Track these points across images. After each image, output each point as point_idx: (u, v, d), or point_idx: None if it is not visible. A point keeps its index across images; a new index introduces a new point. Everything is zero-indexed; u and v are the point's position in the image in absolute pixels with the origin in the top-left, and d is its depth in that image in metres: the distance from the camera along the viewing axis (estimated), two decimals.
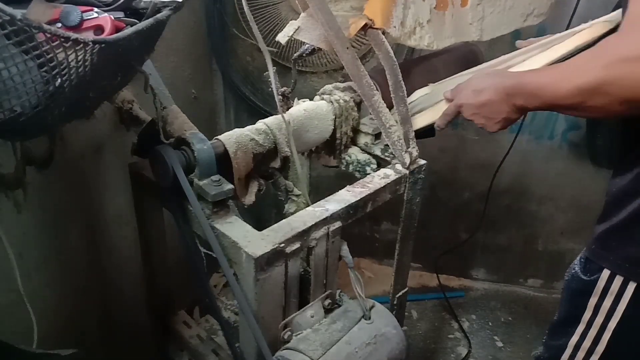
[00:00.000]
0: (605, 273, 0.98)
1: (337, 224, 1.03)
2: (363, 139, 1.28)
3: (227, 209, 0.99)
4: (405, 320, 1.52)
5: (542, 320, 2.28)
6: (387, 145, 1.20)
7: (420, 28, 1.18)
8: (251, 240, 0.91)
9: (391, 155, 1.22)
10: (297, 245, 0.95)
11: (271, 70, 1.10)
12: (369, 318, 1.05)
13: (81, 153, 1.29)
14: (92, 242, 1.39)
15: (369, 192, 1.10)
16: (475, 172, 2.27)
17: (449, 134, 2.21)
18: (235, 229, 0.94)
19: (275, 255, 0.91)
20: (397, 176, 1.17)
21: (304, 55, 1.26)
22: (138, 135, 1.09)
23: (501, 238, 2.41)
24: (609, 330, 0.99)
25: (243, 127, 1.07)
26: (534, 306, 2.37)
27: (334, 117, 1.20)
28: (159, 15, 0.80)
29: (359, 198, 1.08)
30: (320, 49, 1.16)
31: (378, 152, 1.26)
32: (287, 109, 1.18)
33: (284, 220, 1.00)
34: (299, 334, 1.02)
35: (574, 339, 1.05)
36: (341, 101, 1.21)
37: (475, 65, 1.51)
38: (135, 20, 0.81)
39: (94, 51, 0.68)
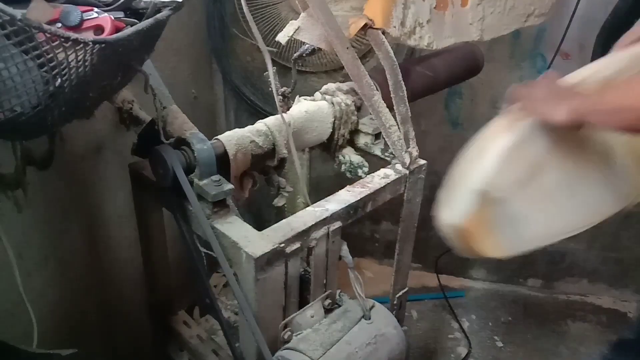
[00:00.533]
0: None
1: (337, 224, 1.03)
2: (363, 139, 1.28)
3: (227, 209, 0.99)
4: (405, 320, 1.51)
5: (542, 320, 2.29)
6: (387, 145, 1.20)
7: (420, 28, 1.18)
8: (251, 240, 0.91)
9: (391, 155, 1.22)
10: (297, 245, 0.95)
11: (271, 70, 1.10)
12: (369, 318, 1.05)
13: (81, 153, 1.29)
14: (92, 242, 1.39)
15: (369, 192, 1.10)
16: None
17: (449, 134, 2.21)
18: (235, 229, 0.94)
19: (275, 255, 0.91)
20: (397, 176, 1.17)
21: (304, 55, 1.26)
22: (138, 135, 1.09)
23: None
24: None
25: (243, 127, 1.07)
26: (534, 306, 2.37)
27: (333, 119, 1.20)
28: (159, 15, 0.80)
29: (359, 198, 1.08)
30: (320, 49, 1.16)
31: (378, 152, 1.26)
32: (287, 109, 1.18)
33: (284, 220, 1.00)
34: (299, 334, 1.02)
35: None
36: (343, 104, 1.21)
37: (476, 67, 1.51)
38: (135, 20, 0.81)
39: (94, 51, 0.68)
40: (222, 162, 1.00)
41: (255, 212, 2.21)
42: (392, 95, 1.14)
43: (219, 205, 0.97)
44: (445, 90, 2.04)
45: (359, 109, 1.24)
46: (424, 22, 1.18)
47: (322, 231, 1.01)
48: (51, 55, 0.66)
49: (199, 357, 1.24)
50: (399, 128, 1.17)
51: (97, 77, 0.75)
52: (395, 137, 1.17)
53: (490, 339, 2.19)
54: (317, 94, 1.25)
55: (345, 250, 1.08)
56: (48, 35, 0.64)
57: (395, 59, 1.12)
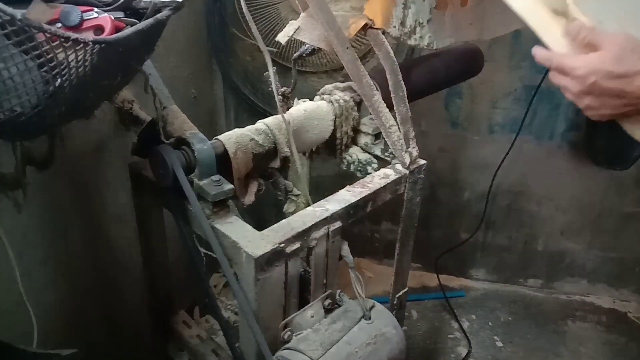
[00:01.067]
0: None
1: (337, 224, 1.03)
2: (363, 139, 1.28)
3: (227, 209, 0.99)
4: (405, 320, 1.52)
5: (542, 320, 2.29)
6: (387, 145, 1.20)
7: (420, 28, 1.18)
8: (251, 240, 0.91)
9: (391, 155, 1.22)
10: (297, 245, 0.95)
11: (271, 70, 1.10)
12: (369, 318, 1.05)
13: (81, 153, 1.29)
14: (92, 242, 1.39)
15: (369, 192, 1.10)
16: (475, 172, 2.27)
17: (449, 134, 2.22)
18: (235, 229, 0.94)
19: (275, 255, 0.91)
20: (397, 176, 1.17)
21: (304, 55, 1.26)
22: (138, 135, 1.08)
23: (501, 238, 2.41)
24: None
25: (243, 127, 1.07)
26: (534, 306, 2.37)
27: (333, 117, 1.20)
28: (159, 15, 0.80)
29: (359, 198, 1.08)
30: (320, 49, 1.16)
31: (378, 152, 1.26)
32: (287, 109, 1.18)
33: (284, 220, 1.00)
34: (299, 334, 1.02)
35: None
36: (341, 101, 1.21)
37: (476, 67, 1.51)
38: (135, 20, 0.81)
39: (94, 51, 0.68)
40: (223, 162, 1.00)
41: (256, 212, 2.21)
42: (392, 95, 1.14)
43: (219, 205, 0.97)
44: (445, 90, 2.05)
45: (359, 105, 1.24)
46: (424, 22, 1.18)
47: (322, 231, 1.01)
48: (51, 55, 0.66)
49: (199, 357, 1.24)
50: (399, 128, 1.17)
51: (97, 77, 0.75)
52: (395, 137, 1.17)
53: (490, 339, 2.19)
54: (316, 97, 1.25)
55: (346, 249, 1.08)
56: (48, 35, 0.64)
57: (395, 59, 1.12)
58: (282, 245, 0.92)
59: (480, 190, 2.24)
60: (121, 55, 0.76)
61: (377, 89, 1.18)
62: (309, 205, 1.09)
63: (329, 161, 1.33)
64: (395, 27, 1.11)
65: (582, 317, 2.31)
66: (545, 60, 0.82)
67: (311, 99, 1.25)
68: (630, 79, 0.75)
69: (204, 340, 1.26)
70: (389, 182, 1.15)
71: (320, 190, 1.31)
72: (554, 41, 0.81)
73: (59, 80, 0.68)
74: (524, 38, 1.97)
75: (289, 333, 1.01)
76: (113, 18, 0.79)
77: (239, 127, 1.07)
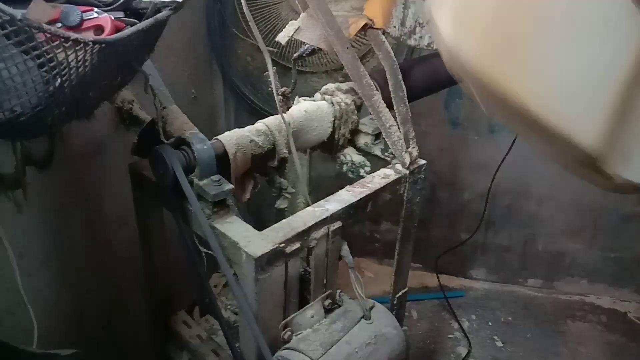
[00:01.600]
0: None
1: (337, 224, 1.03)
2: (363, 139, 1.28)
3: (227, 209, 0.99)
4: (405, 320, 1.51)
5: (542, 320, 2.29)
6: (387, 145, 1.20)
7: (420, 28, 1.18)
8: (251, 240, 0.91)
9: (391, 155, 1.22)
10: (297, 245, 0.95)
11: (271, 70, 1.10)
12: (369, 318, 1.05)
13: (81, 153, 1.29)
14: (93, 242, 1.39)
15: (369, 192, 1.10)
16: (475, 172, 2.27)
17: (449, 134, 2.22)
18: (235, 229, 0.94)
19: (275, 255, 0.91)
20: (397, 176, 1.17)
21: (304, 55, 1.26)
22: (138, 135, 1.08)
23: (501, 238, 2.41)
24: None
25: (243, 127, 1.07)
26: (534, 306, 2.37)
27: (333, 119, 1.20)
28: (159, 15, 0.80)
29: (359, 198, 1.08)
30: (320, 49, 1.16)
31: (378, 152, 1.26)
32: (287, 109, 1.18)
33: (284, 220, 1.00)
34: (299, 334, 1.01)
35: None
36: (342, 104, 1.21)
37: None
38: (135, 20, 0.80)
39: (94, 51, 0.68)
40: (222, 162, 1.00)
41: (255, 212, 2.21)
42: (392, 95, 1.14)
43: (219, 205, 0.97)
44: (445, 90, 2.04)
45: (359, 108, 1.24)
46: (424, 22, 1.18)
47: (322, 231, 1.01)
48: (51, 55, 0.66)
49: (199, 357, 1.23)
50: (399, 128, 1.17)
51: (97, 77, 0.75)
52: (395, 137, 1.17)
53: (490, 339, 2.19)
54: (317, 95, 1.25)
55: (345, 250, 1.08)
56: (48, 35, 0.64)
57: (395, 59, 1.12)
58: (282, 245, 0.92)
59: (480, 190, 2.24)
60: (121, 55, 0.76)
61: (377, 89, 1.18)
62: (308, 205, 1.09)
63: (329, 161, 1.33)
64: (395, 27, 1.11)
65: (582, 317, 2.31)
66: None
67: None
68: None
69: (204, 340, 1.26)
70: (389, 182, 1.15)
71: (320, 190, 1.31)
72: None
73: (59, 80, 0.68)
74: None
75: (289, 333, 1.01)
76: (113, 18, 0.79)
77: (239, 127, 1.07)
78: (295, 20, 1.13)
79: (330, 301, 1.09)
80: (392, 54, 1.12)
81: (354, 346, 0.99)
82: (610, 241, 2.33)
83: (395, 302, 1.35)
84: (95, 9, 0.78)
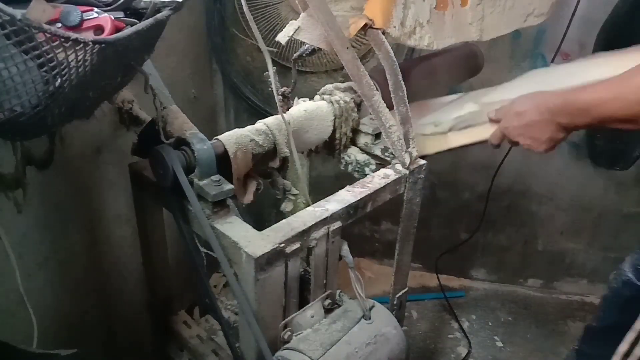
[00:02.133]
0: None
1: (337, 224, 1.03)
2: (363, 139, 1.28)
3: (227, 209, 0.99)
4: (405, 320, 1.52)
5: (542, 320, 2.29)
6: (387, 145, 1.20)
7: (420, 28, 1.18)
8: (251, 240, 0.91)
9: (391, 155, 1.22)
10: (297, 245, 0.95)
11: (271, 70, 1.10)
12: (369, 318, 1.05)
13: (81, 153, 1.29)
14: (92, 242, 1.39)
15: (369, 192, 1.10)
16: (475, 172, 2.26)
17: None
18: (235, 229, 0.94)
19: (275, 255, 0.91)
20: (397, 176, 1.17)
21: (304, 55, 1.26)
22: (138, 135, 1.09)
23: (501, 238, 2.41)
24: None
25: (243, 127, 1.07)
26: (534, 306, 2.37)
27: (333, 118, 1.20)
28: (159, 15, 0.80)
29: (359, 198, 1.08)
30: (320, 49, 1.16)
31: (378, 152, 1.26)
32: (287, 109, 1.18)
33: (284, 220, 1.00)
34: (299, 334, 1.02)
35: (623, 347, 1.01)
36: (341, 102, 1.21)
37: (476, 67, 1.51)
38: (135, 20, 0.81)
39: (94, 51, 0.68)
40: (223, 163, 1.00)
41: (255, 212, 2.21)
42: (392, 95, 1.14)
43: (219, 205, 0.97)
44: (445, 90, 2.04)
45: (359, 106, 1.25)
46: (424, 22, 1.18)
47: (322, 231, 1.01)
48: (51, 55, 0.66)
49: (199, 357, 1.24)
50: (398, 128, 1.17)
51: (97, 77, 0.75)
52: (395, 137, 1.17)
53: (490, 339, 2.19)
54: (316, 97, 1.25)
55: (345, 250, 1.08)
56: (48, 35, 0.64)
57: (395, 59, 1.12)
58: (282, 245, 0.92)
59: (480, 190, 2.24)
60: (121, 55, 0.76)
61: (377, 89, 1.18)
62: (308, 205, 1.09)
63: (329, 161, 1.33)
64: (395, 27, 1.11)
65: (582, 317, 2.31)
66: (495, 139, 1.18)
67: (311, 99, 1.25)
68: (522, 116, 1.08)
69: (204, 340, 1.26)
70: (389, 182, 1.15)
71: (320, 190, 1.31)
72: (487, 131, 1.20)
73: (59, 80, 0.68)
74: (524, 38, 1.97)
75: (289, 333, 1.01)
76: (113, 18, 0.79)
77: (239, 127, 1.07)
78: (295, 20, 1.12)
79: (330, 301, 1.09)
80: (392, 54, 1.12)
81: (354, 346, 0.99)
82: (610, 241, 2.33)
83: (395, 302, 1.35)
84: (95, 9, 0.78)
